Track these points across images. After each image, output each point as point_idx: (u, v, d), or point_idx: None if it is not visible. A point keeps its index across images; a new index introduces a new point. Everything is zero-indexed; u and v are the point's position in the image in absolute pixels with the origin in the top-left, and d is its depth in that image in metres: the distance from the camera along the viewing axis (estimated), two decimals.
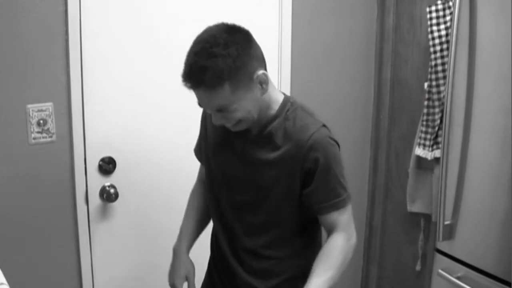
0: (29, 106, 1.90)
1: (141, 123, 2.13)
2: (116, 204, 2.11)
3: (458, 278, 1.83)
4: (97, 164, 2.07)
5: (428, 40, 2.16)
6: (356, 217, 2.69)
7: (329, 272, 1.40)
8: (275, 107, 1.41)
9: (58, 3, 1.89)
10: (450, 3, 2.07)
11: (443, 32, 2.10)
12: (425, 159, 2.23)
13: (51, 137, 1.96)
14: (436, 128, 2.15)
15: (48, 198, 1.99)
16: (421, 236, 2.39)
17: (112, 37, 2.02)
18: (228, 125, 1.36)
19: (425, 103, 2.20)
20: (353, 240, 1.45)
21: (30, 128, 1.92)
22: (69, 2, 1.90)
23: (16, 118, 1.90)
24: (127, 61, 2.06)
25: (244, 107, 1.30)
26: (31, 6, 1.86)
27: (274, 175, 1.39)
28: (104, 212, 2.11)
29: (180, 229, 1.70)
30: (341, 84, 2.55)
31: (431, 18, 2.14)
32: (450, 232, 1.88)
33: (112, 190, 2.07)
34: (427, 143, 2.20)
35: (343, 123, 2.58)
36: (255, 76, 1.29)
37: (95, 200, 2.09)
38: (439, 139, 2.13)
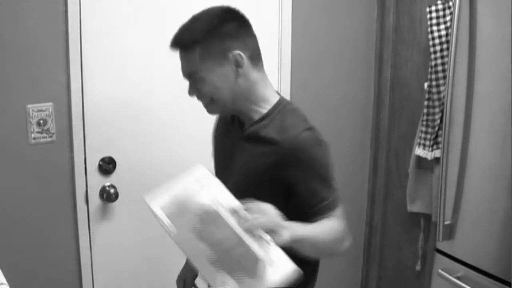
0: (29, 106, 1.91)
1: (141, 123, 2.13)
2: (116, 204, 2.11)
3: (458, 278, 1.83)
4: (97, 164, 2.07)
5: (428, 40, 2.16)
6: (356, 217, 2.73)
7: (317, 229, 1.29)
8: (267, 106, 1.39)
9: (58, 3, 1.89)
10: (450, 3, 2.07)
11: (443, 32, 2.10)
12: (425, 159, 2.23)
13: (51, 137, 1.96)
14: (436, 128, 2.15)
15: (48, 198, 2.00)
16: (421, 236, 2.39)
17: (112, 37, 2.02)
18: (203, 103, 1.38)
19: (425, 103, 2.20)
20: (347, 244, 1.37)
21: (30, 128, 1.92)
22: (69, 2, 1.90)
23: (16, 118, 1.90)
24: (127, 61, 2.06)
25: (212, 80, 1.32)
26: (31, 6, 1.86)
27: (259, 178, 1.36)
28: (104, 212, 2.11)
29: None
30: (341, 84, 2.55)
31: (431, 18, 2.14)
32: (450, 232, 1.88)
33: (112, 190, 2.08)
34: (427, 143, 2.20)
35: (343, 123, 2.58)
36: (230, 54, 1.31)
37: (95, 200, 2.09)
38: (439, 139, 2.13)
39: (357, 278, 2.80)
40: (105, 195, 2.08)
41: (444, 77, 2.10)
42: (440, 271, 1.90)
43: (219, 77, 1.32)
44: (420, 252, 2.40)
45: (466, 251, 1.85)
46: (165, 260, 2.26)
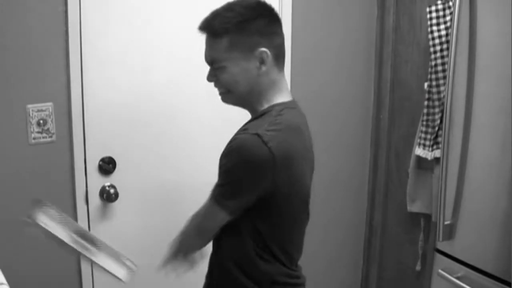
0: (29, 106, 1.90)
1: (141, 123, 2.13)
2: (116, 204, 2.11)
3: (458, 278, 1.83)
4: (97, 164, 2.07)
5: (428, 40, 2.16)
6: (356, 217, 2.73)
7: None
8: (265, 105, 1.38)
9: (58, 3, 1.89)
10: (450, 3, 2.07)
11: (443, 32, 2.10)
12: (425, 159, 2.23)
13: (51, 137, 1.96)
14: (436, 128, 2.15)
15: (48, 198, 1.99)
16: (421, 236, 2.39)
17: (112, 37, 2.02)
18: (219, 92, 1.39)
19: (425, 103, 2.20)
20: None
21: (30, 128, 1.92)
22: (69, 2, 1.90)
23: (16, 118, 1.90)
24: (127, 61, 2.06)
25: (233, 72, 1.32)
26: (31, 6, 1.86)
27: None
28: (104, 212, 2.11)
29: None
30: (341, 84, 2.55)
31: (431, 18, 2.14)
32: (450, 232, 1.88)
33: (112, 190, 2.08)
34: (427, 143, 2.20)
35: (343, 123, 2.59)
36: (257, 51, 1.32)
37: (95, 200, 2.09)
38: (439, 139, 2.13)
39: (357, 278, 2.80)
40: (105, 195, 2.08)
41: (444, 77, 2.10)
42: (440, 271, 1.90)
43: (241, 70, 1.33)
44: (420, 252, 2.40)
45: (466, 251, 1.85)
46: None
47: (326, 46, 2.48)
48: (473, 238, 1.83)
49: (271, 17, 1.36)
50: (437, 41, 2.12)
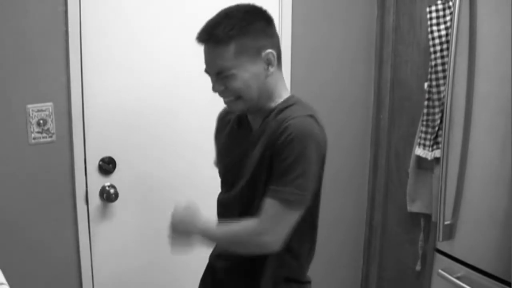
0: (29, 106, 1.90)
1: (141, 123, 2.13)
2: (116, 204, 2.11)
3: (458, 278, 1.83)
4: (97, 164, 2.07)
5: (428, 40, 2.16)
6: (356, 217, 2.73)
7: (221, 229, 1.38)
8: (278, 100, 1.40)
9: (58, 3, 1.89)
10: (450, 3, 2.07)
11: (443, 32, 2.10)
12: (425, 159, 2.22)
13: (51, 137, 1.96)
14: (436, 128, 2.15)
15: (48, 198, 2.00)
16: (421, 236, 2.39)
17: (112, 37, 2.02)
18: (227, 100, 1.36)
19: (425, 103, 2.20)
20: (264, 238, 1.29)
21: (30, 128, 1.92)
22: (69, 2, 1.90)
23: (16, 118, 1.90)
24: (127, 61, 2.06)
25: (243, 77, 1.31)
26: (31, 6, 1.86)
27: (262, 168, 1.35)
28: (104, 212, 2.11)
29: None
30: (341, 84, 2.55)
31: (431, 18, 2.14)
32: (450, 232, 1.88)
33: (112, 190, 2.08)
34: (427, 143, 2.20)
35: (343, 123, 2.58)
36: (263, 53, 1.32)
37: (95, 200, 2.09)
38: (439, 139, 2.13)
39: (357, 278, 2.80)
40: (105, 195, 2.08)
41: (444, 77, 2.10)
42: (440, 271, 1.90)
43: (252, 76, 1.32)
44: (420, 252, 2.40)
45: (466, 251, 1.85)
46: (165, 260, 2.26)
47: (326, 46, 2.48)
48: (473, 238, 1.82)
49: (268, 19, 1.37)
50: (437, 41, 2.12)
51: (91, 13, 1.96)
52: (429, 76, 2.17)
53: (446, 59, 2.09)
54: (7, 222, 1.92)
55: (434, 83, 2.15)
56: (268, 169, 1.32)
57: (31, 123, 1.92)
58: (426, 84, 2.20)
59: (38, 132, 1.93)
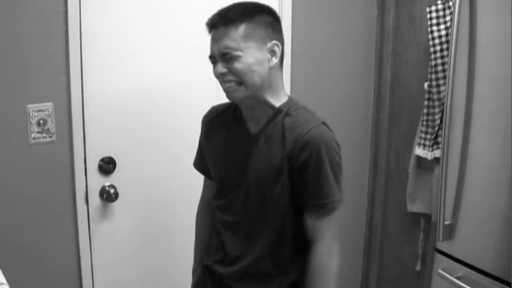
0: (29, 106, 1.90)
1: (141, 123, 2.13)
2: (116, 204, 2.11)
3: (458, 278, 1.83)
4: (97, 164, 2.07)
5: (428, 40, 2.16)
6: (356, 217, 2.73)
7: None
8: (277, 103, 1.42)
9: (58, 3, 1.89)
10: (450, 3, 2.07)
11: (443, 32, 2.10)
12: (425, 159, 2.22)
13: (51, 137, 1.96)
14: (436, 128, 2.15)
15: (48, 198, 1.99)
16: (421, 236, 2.39)
17: (112, 37, 2.02)
18: (227, 86, 1.37)
19: (425, 103, 2.20)
20: (334, 249, 1.44)
21: (30, 128, 1.92)
22: (69, 2, 1.90)
23: (16, 118, 1.90)
24: (127, 61, 2.06)
25: (247, 61, 1.33)
26: (31, 6, 1.86)
27: (273, 175, 1.39)
28: (104, 212, 2.11)
29: (194, 251, 1.73)
30: (341, 84, 2.55)
31: (431, 18, 2.14)
32: (450, 232, 1.88)
33: (112, 190, 2.08)
34: (427, 143, 2.20)
35: (343, 123, 2.58)
36: (269, 43, 1.36)
37: (95, 200, 2.09)
38: (439, 139, 2.13)
39: (357, 278, 2.81)
40: (105, 195, 2.08)
41: (444, 77, 2.10)
42: (440, 271, 1.90)
43: (255, 60, 1.34)
44: (420, 252, 2.40)
45: (466, 251, 1.85)
46: (165, 260, 2.26)
47: (326, 46, 2.48)
48: (473, 238, 1.83)
49: (275, 16, 1.42)
50: (437, 41, 2.12)
51: (91, 13, 1.96)
52: (429, 76, 2.17)
53: (446, 59, 2.09)
54: (7, 222, 1.92)
55: (434, 83, 2.15)
56: (288, 179, 1.39)
57: (31, 123, 1.92)
58: (426, 84, 2.20)
59: (38, 132, 1.93)
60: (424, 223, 2.36)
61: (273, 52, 1.37)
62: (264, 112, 1.42)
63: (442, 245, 1.94)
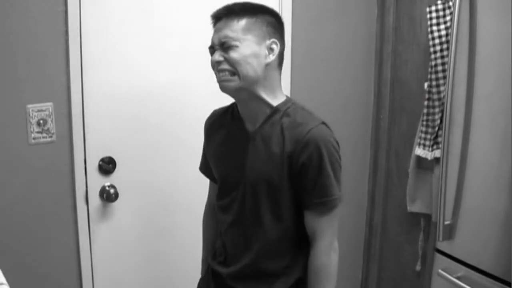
0: (29, 106, 1.91)
1: (141, 123, 2.13)
2: (116, 204, 2.11)
3: (458, 278, 1.83)
4: (97, 164, 2.07)
5: (428, 40, 2.16)
6: (356, 217, 2.73)
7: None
8: (274, 102, 1.43)
9: (58, 3, 1.89)
10: (450, 3, 2.07)
11: (443, 32, 2.10)
12: (425, 159, 2.22)
13: (51, 137, 1.96)
14: (436, 128, 2.15)
15: (48, 198, 1.99)
16: (421, 236, 2.39)
17: (112, 37, 2.02)
18: (221, 75, 1.38)
19: (425, 103, 2.20)
20: (334, 246, 1.45)
21: (30, 128, 1.92)
22: (69, 2, 1.90)
23: (16, 118, 1.90)
24: (127, 61, 2.06)
25: (244, 52, 1.35)
26: (31, 6, 1.86)
27: (272, 175, 1.40)
28: (104, 212, 2.12)
29: (202, 255, 1.74)
30: (341, 84, 2.55)
31: (431, 18, 2.14)
32: (450, 232, 1.88)
33: (112, 190, 2.08)
34: (427, 143, 2.20)
35: (343, 123, 2.58)
36: (268, 40, 1.38)
37: (95, 200, 2.09)
38: (439, 139, 2.13)
39: (357, 278, 2.80)
40: (105, 195, 2.08)
41: (444, 77, 2.10)
42: (440, 271, 1.90)
43: (252, 53, 1.36)
44: (420, 252, 2.40)
45: (466, 251, 1.85)
46: (165, 260, 2.26)
47: (326, 46, 2.48)
48: (473, 238, 1.83)
49: (278, 18, 1.45)
50: (437, 41, 2.12)
51: (91, 13, 1.96)
52: (429, 76, 2.17)
53: (446, 59, 2.09)
54: (7, 222, 1.92)
55: (434, 83, 2.15)
56: (287, 179, 1.40)
57: (31, 123, 1.92)
58: (426, 84, 2.20)
59: (38, 132, 1.93)
60: (424, 223, 2.36)
61: (271, 50, 1.39)
62: (260, 110, 1.42)
63: (442, 245, 1.94)
